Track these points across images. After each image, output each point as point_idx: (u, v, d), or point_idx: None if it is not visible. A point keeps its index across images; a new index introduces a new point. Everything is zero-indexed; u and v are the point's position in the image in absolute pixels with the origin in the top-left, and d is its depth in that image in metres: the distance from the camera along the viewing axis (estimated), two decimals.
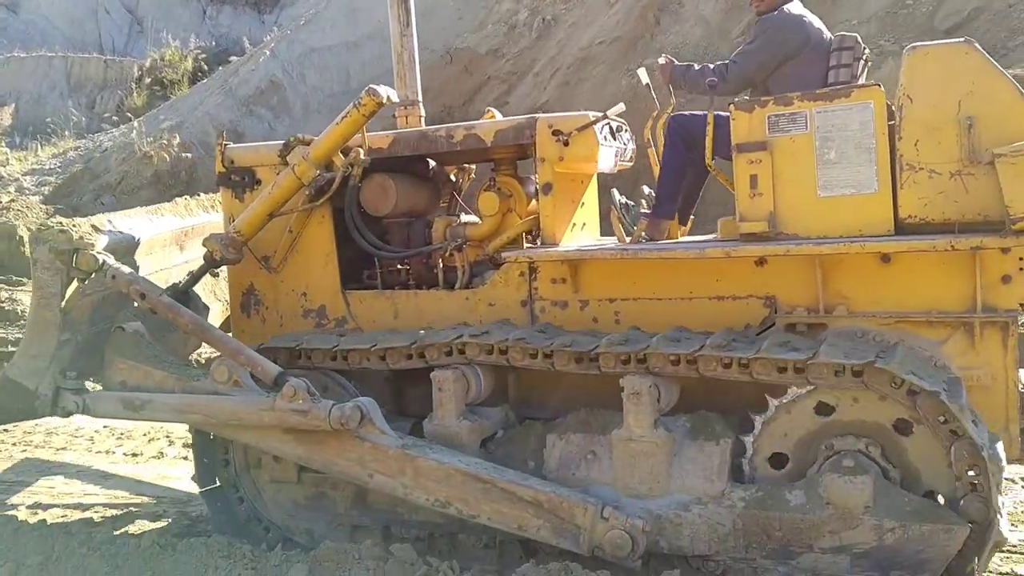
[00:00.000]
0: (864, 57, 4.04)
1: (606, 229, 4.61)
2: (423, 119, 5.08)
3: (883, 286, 3.57)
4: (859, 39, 4.05)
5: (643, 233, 4.11)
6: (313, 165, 4.28)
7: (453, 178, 4.98)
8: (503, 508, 3.62)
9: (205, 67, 21.30)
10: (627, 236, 4.22)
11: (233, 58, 20.49)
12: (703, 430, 3.60)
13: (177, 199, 4.78)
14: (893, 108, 3.51)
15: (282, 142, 4.50)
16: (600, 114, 4.14)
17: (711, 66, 4.24)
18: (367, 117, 4.17)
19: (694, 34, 17.31)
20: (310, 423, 3.77)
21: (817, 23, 4.16)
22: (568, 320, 4.06)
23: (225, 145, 4.74)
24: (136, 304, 4.12)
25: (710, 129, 3.92)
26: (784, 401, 3.48)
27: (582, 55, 18.35)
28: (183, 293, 4.40)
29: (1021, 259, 3.36)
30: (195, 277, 4.51)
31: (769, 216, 3.65)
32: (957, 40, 3.54)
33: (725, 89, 4.17)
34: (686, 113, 4.32)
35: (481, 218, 4.44)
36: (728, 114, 3.82)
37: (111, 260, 3.97)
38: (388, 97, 4.10)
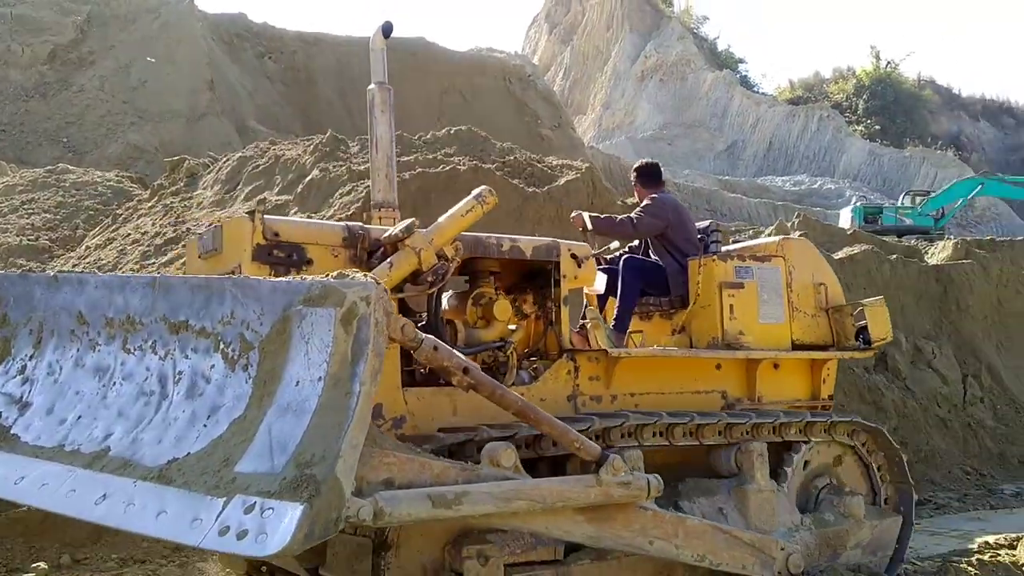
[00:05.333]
0: None
1: None
2: (397, 221, 5.06)
3: (781, 382, 5.75)
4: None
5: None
6: (434, 252, 4.33)
7: None
8: (736, 553, 4.56)
9: None
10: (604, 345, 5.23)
11: None
12: None
13: None
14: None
15: (344, 224, 4.56)
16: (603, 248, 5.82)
17: (618, 218, 6.01)
18: (485, 214, 4.56)
19: None
20: (629, 494, 3.98)
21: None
22: (601, 412, 4.86)
23: (264, 215, 4.18)
24: (455, 381, 3.48)
25: (694, 268, 5.67)
26: (800, 455, 5.44)
27: None
28: None
29: (823, 368, 5.96)
30: None
31: (740, 333, 5.52)
32: (801, 238, 6.32)
33: (634, 236, 6.02)
34: (638, 256, 5.94)
35: (489, 322, 4.83)
36: (660, 263, 5.80)
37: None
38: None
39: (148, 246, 11.16)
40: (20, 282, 3.96)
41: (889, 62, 49.77)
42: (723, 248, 5.94)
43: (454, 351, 3.42)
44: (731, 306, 5.47)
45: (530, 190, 11.27)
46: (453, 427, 4.27)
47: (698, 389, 5.37)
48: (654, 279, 5.75)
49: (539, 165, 12.54)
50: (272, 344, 2.90)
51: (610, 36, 49.21)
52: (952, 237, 20.10)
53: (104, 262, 11.20)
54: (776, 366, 5.69)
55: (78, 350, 3.58)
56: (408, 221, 4.33)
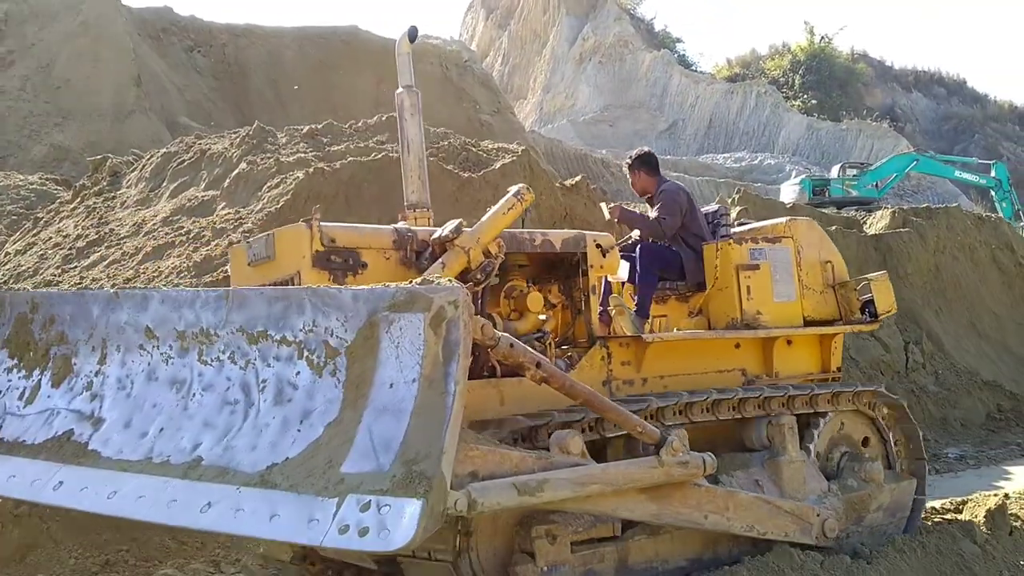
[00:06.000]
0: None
1: None
2: (431, 220, 5.30)
3: (794, 358, 5.98)
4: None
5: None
6: (481, 250, 4.53)
7: None
8: (778, 522, 4.92)
9: None
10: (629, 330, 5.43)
11: None
12: None
13: None
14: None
15: (392, 227, 4.76)
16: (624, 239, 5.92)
17: (651, 215, 6.07)
18: (524, 211, 4.77)
19: None
20: (687, 472, 4.28)
21: None
22: (634, 394, 5.11)
23: (320, 222, 4.36)
24: (528, 375, 3.69)
25: (711, 252, 5.87)
26: (823, 426, 5.67)
27: None
28: None
29: (831, 342, 6.24)
30: None
31: (757, 313, 5.72)
32: (806, 218, 6.43)
33: (664, 236, 5.99)
34: (653, 244, 5.98)
35: (522, 314, 4.99)
36: (674, 249, 5.94)
37: None
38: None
39: (70, 249, 10.79)
40: (75, 300, 4.05)
41: (823, 37, 50.47)
42: (731, 230, 6.19)
43: (527, 347, 3.64)
44: (748, 287, 5.72)
45: (466, 175, 11.08)
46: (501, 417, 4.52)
47: (720, 368, 5.62)
48: (671, 265, 5.95)
49: (474, 150, 12.34)
50: (359, 349, 3.07)
51: (547, 20, 49.07)
52: (889, 206, 20.36)
53: (24, 268, 10.78)
54: (789, 342, 5.97)
55: (149, 364, 3.68)
56: (456, 222, 4.58)
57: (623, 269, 5.67)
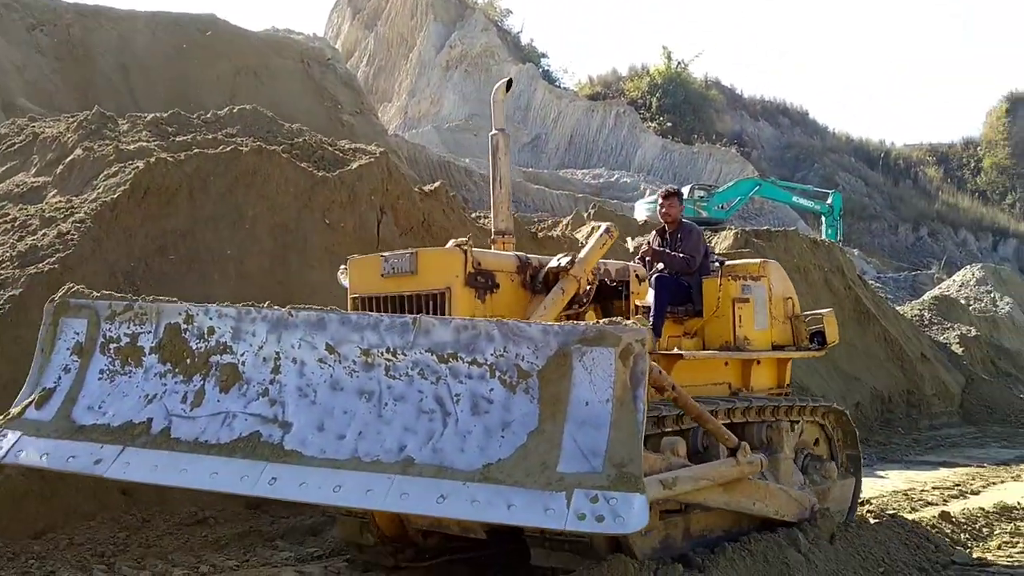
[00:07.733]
0: None
1: None
2: (514, 246, 6.24)
3: (762, 375, 7.28)
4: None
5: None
6: (586, 279, 5.67)
7: None
8: (790, 507, 6.31)
9: None
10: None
11: None
12: None
13: None
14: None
15: (515, 254, 5.84)
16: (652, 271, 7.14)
17: (680, 256, 7.21)
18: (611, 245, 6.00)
19: None
20: (753, 469, 5.63)
21: None
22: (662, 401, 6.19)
23: (471, 247, 5.38)
24: (665, 395, 4.74)
25: (704, 291, 7.06)
26: (794, 432, 6.92)
27: None
28: None
29: (786, 363, 7.66)
30: None
31: (745, 338, 7.02)
32: (775, 261, 7.79)
33: (691, 270, 7.15)
34: (666, 275, 7.06)
35: None
36: (682, 280, 7.16)
37: None
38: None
39: None
40: (239, 315, 4.33)
41: (680, 62, 52.59)
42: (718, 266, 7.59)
43: (666, 373, 4.70)
44: (740, 316, 6.95)
45: (320, 174, 10.78)
46: None
47: (715, 382, 6.83)
48: (677, 293, 7.09)
49: (330, 148, 12.05)
50: (552, 373, 3.69)
51: (414, 24, 49.10)
52: (733, 227, 21.34)
53: None
54: (759, 363, 7.24)
55: (331, 376, 4.04)
56: (570, 255, 5.68)
57: (650, 296, 6.75)
